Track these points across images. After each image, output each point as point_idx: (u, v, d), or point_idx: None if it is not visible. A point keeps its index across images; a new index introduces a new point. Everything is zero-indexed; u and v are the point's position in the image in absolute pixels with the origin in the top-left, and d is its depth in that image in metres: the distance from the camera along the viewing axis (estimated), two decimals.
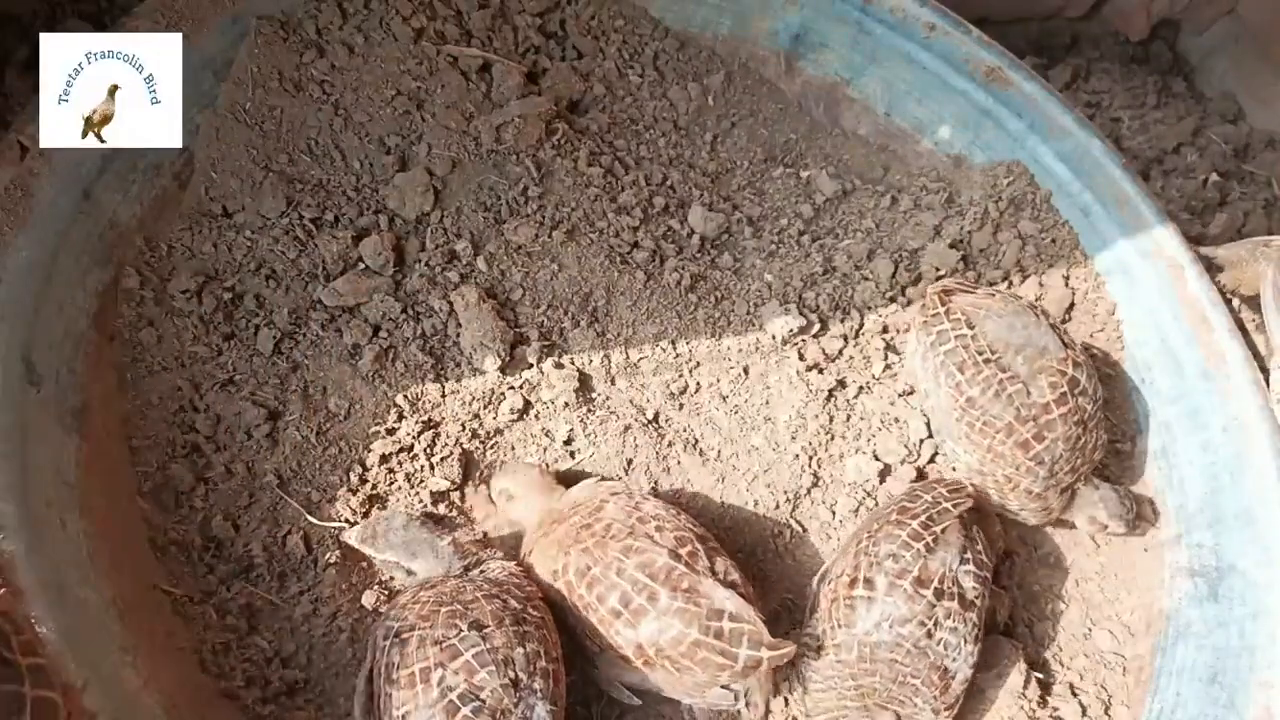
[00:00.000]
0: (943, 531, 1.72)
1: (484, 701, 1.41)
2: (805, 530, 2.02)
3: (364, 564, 1.85)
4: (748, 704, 1.66)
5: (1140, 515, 1.99)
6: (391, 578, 1.78)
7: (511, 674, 1.45)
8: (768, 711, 1.69)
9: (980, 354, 1.87)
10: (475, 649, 1.44)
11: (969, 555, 1.73)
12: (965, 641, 1.68)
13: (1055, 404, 1.82)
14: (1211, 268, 2.13)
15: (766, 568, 1.99)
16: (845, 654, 1.70)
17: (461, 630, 1.46)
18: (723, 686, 1.63)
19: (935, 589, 1.67)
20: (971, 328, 1.90)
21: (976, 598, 1.71)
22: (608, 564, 1.61)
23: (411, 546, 1.66)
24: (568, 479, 1.89)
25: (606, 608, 1.59)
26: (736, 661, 1.55)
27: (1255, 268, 2.06)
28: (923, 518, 1.73)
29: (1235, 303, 2.10)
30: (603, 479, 1.86)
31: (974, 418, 1.85)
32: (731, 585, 1.62)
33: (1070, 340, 1.94)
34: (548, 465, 1.87)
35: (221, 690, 1.72)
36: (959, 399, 1.88)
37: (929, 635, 1.66)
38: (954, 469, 1.99)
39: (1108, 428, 1.96)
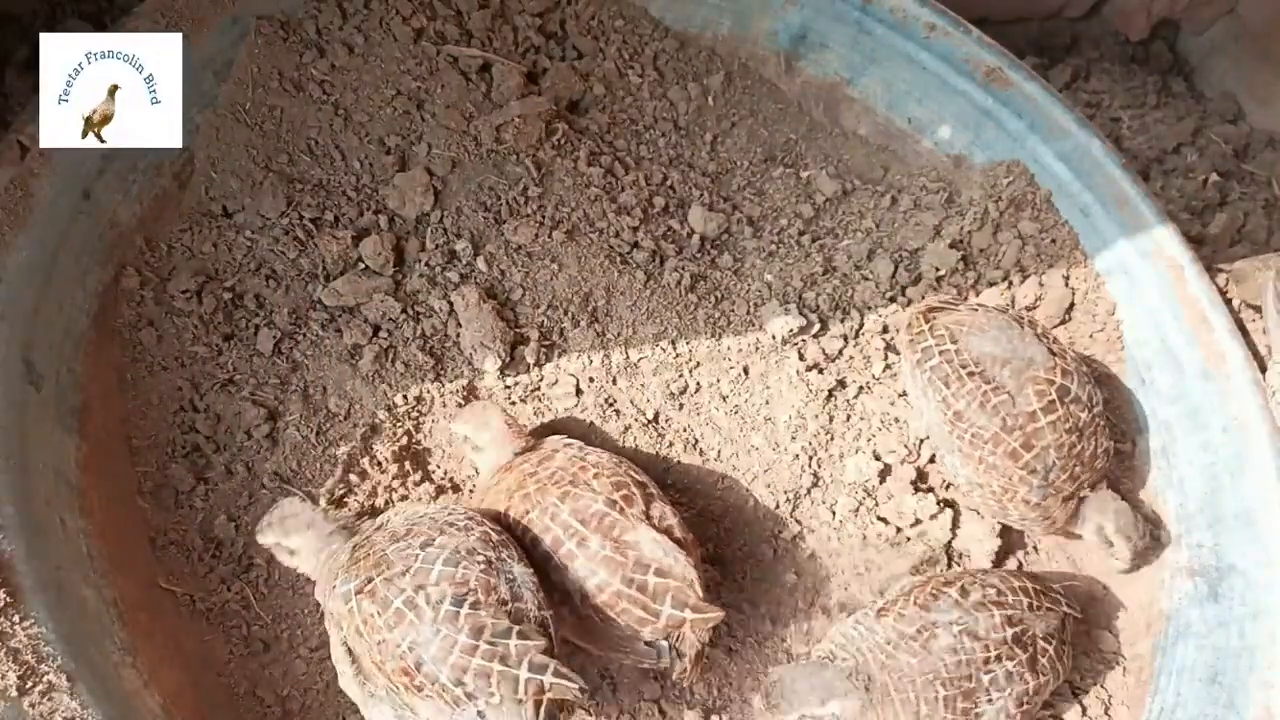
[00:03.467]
0: (1054, 623, 1.75)
1: (475, 589, 1.45)
2: (805, 530, 2.01)
3: None
4: (678, 654, 1.63)
5: (1146, 546, 1.97)
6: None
7: (480, 558, 1.50)
8: (699, 662, 1.65)
9: (964, 367, 1.87)
10: (440, 556, 1.48)
11: (1057, 649, 1.74)
12: (1009, 700, 1.66)
13: (1042, 412, 1.81)
14: (1206, 253, 2.13)
15: (766, 568, 1.99)
16: (904, 625, 1.69)
17: (417, 552, 1.49)
18: (647, 643, 1.62)
19: (1016, 634, 1.68)
20: (955, 342, 1.91)
21: (1042, 672, 1.70)
22: (544, 509, 1.63)
23: (290, 525, 1.64)
24: (542, 432, 1.90)
25: (539, 551, 1.61)
26: (658, 619, 1.56)
27: (1264, 276, 2.06)
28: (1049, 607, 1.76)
29: (1235, 303, 2.10)
30: (568, 437, 1.86)
31: (963, 430, 1.86)
32: (667, 531, 1.62)
33: (1061, 349, 1.94)
34: (509, 413, 1.85)
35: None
36: (947, 413, 1.88)
37: (986, 663, 1.65)
38: (955, 480, 1.99)
39: (1109, 434, 1.95)
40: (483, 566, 1.48)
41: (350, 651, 1.51)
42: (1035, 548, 2.10)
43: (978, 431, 1.84)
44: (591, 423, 1.99)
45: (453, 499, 1.94)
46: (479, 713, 1.42)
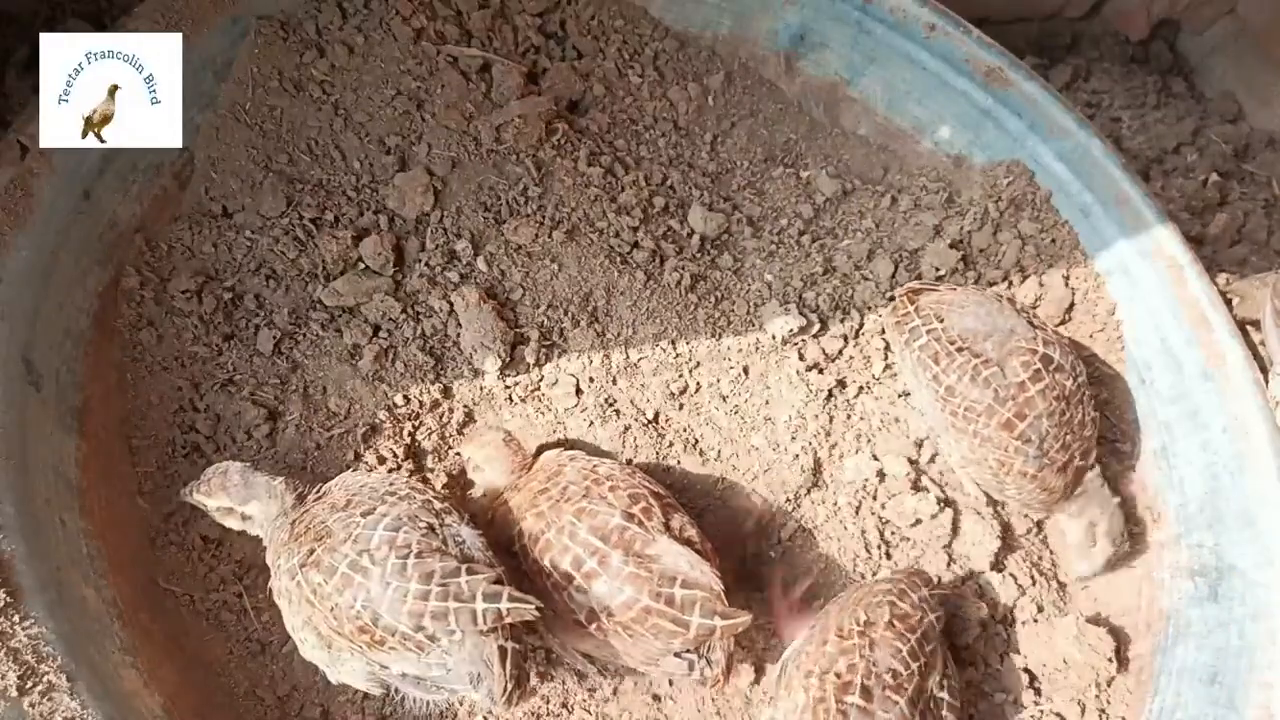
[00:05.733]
0: (932, 652, 1.69)
1: (419, 550, 1.47)
2: (806, 530, 2.01)
3: None
4: (709, 662, 1.63)
5: (1123, 552, 2.00)
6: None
7: (422, 524, 1.51)
8: (729, 667, 1.65)
9: (952, 343, 1.90)
10: (382, 522, 1.50)
11: (949, 676, 1.70)
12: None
13: (1030, 381, 1.84)
14: (1206, 254, 2.14)
15: (766, 567, 1.99)
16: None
17: (359, 520, 1.51)
18: (676, 655, 1.61)
19: (923, 710, 1.64)
20: (941, 320, 1.94)
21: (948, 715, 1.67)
22: (560, 528, 1.62)
23: (246, 491, 1.64)
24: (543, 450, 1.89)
25: (560, 572, 1.60)
26: (689, 629, 1.55)
27: (1262, 294, 2.07)
28: (920, 633, 1.68)
29: (1235, 303, 2.10)
30: (568, 448, 1.86)
31: (955, 406, 1.88)
32: (687, 542, 1.61)
33: (1041, 323, 1.97)
34: (511, 434, 1.86)
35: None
36: (939, 390, 1.90)
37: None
38: (950, 459, 2.00)
39: (1095, 404, 1.96)
40: (424, 532, 1.50)
41: (308, 621, 1.53)
42: (1029, 553, 2.10)
43: (970, 405, 1.86)
44: (591, 423, 1.99)
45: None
46: (444, 653, 1.45)
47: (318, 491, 1.66)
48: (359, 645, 1.47)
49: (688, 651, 1.61)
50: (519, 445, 1.83)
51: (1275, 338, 2.00)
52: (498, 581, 1.46)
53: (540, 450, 1.89)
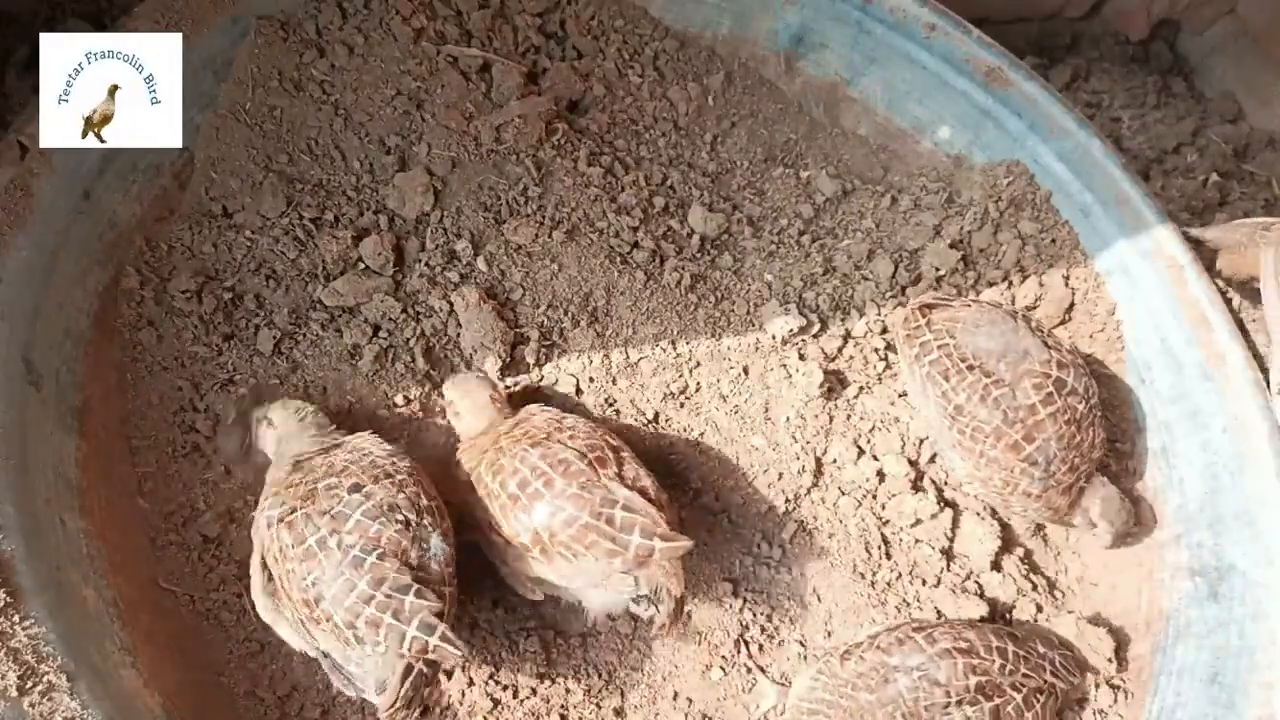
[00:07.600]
0: (1029, 684, 1.71)
1: (384, 547, 1.49)
2: (805, 530, 2.01)
3: None
4: (658, 603, 1.64)
5: (1136, 522, 1.99)
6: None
7: (399, 518, 1.53)
8: (680, 608, 1.65)
9: (964, 360, 1.89)
10: (361, 508, 1.52)
11: (1026, 699, 1.70)
12: None
13: (1041, 404, 1.83)
14: (1206, 253, 2.12)
15: (766, 568, 1.99)
16: (864, 667, 1.68)
17: (343, 496, 1.53)
18: (622, 576, 1.61)
19: (980, 683, 1.65)
20: (954, 338, 1.93)
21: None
22: (514, 454, 1.65)
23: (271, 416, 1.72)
24: (522, 399, 1.92)
25: (507, 493, 1.63)
26: (627, 549, 1.56)
27: (1254, 253, 2.04)
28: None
29: (1235, 302, 2.09)
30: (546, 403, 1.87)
31: (963, 425, 1.87)
32: (640, 490, 1.63)
33: (1055, 343, 1.96)
34: (495, 383, 1.87)
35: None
36: (947, 407, 1.89)
37: (946, 707, 1.63)
38: (954, 473, 2.00)
39: (1106, 426, 1.96)
40: (399, 527, 1.51)
41: (265, 567, 1.56)
42: (1028, 553, 2.10)
43: (979, 425, 1.85)
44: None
45: None
46: (365, 655, 1.48)
47: (334, 441, 1.69)
48: (300, 614, 1.51)
49: (641, 596, 1.63)
50: (500, 395, 1.85)
51: (1276, 303, 1.97)
52: (439, 615, 1.47)
53: (516, 399, 1.90)
